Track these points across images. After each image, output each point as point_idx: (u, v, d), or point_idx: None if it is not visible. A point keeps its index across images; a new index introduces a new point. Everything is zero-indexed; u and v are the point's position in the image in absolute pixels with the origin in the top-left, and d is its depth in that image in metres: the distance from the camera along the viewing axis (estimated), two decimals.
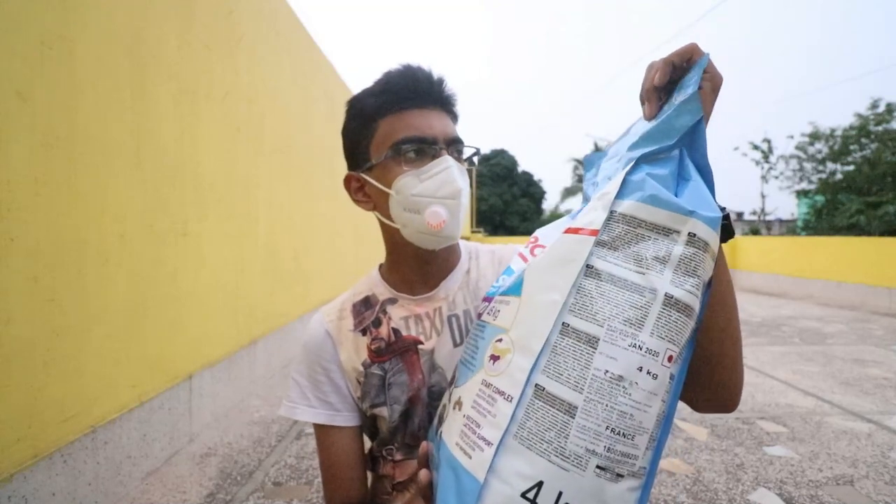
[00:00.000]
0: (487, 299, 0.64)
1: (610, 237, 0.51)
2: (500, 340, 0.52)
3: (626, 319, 0.47)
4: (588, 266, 0.50)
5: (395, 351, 0.80)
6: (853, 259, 8.94)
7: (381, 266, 0.89)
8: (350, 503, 0.82)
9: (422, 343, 0.81)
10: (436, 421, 0.66)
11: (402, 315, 0.82)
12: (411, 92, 0.75)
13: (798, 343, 5.35)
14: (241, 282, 3.36)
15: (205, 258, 2.86)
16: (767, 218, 23.39)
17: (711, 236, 0.50)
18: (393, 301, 0.83)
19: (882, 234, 13.13)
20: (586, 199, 0.63)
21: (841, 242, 9.85)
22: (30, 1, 1.68)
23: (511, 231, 30.00)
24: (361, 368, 0.81)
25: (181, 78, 2.61)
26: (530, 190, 32.80)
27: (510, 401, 0.49)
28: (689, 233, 0.49)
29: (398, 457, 0.82)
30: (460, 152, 0.78)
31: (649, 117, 0.58)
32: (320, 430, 0.83)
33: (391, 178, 0.74)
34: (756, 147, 19.76)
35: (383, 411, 0.80)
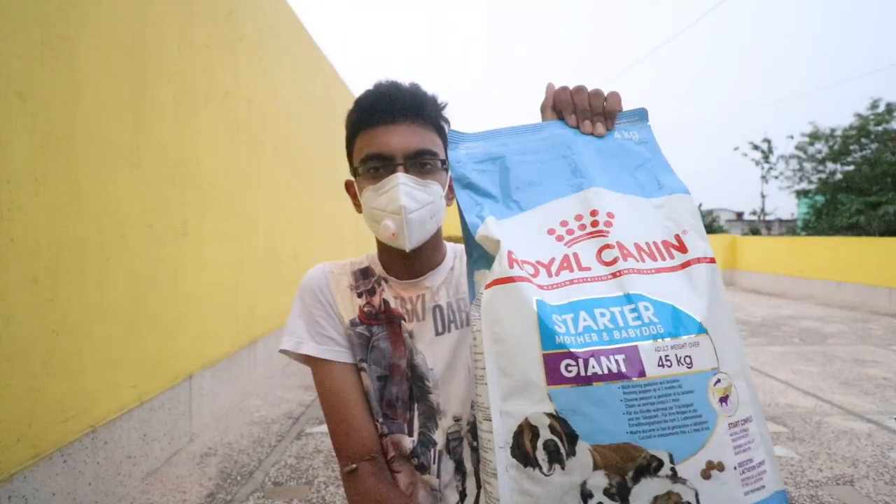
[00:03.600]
0: (635, 350, 0.49)
1: None
2: (718, 382, 0.49)
3: None
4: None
5: (382, 319, 0.87)
6: (853, 259, 8.95)
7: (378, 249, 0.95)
8: (365, 451, 0.81)
9: (405, 320, 0.87)
10: None
11: (392, 294, 0.89)
12: (374, 110, 0.80)
13: (798, 343, 5.36)
14: (241, 282, 3.36)
15: (205, 258, 2.86)
16: (767, 218, 23.39)
17: None
18: (385, 280, 0.90)
19: (882, 234, 13.14)
20: (463, 182, 0.63)
21: (841, 242, 9.85)
22: (30, 1, 1.68)
23: None
24: (349, 324, 0.87)
25: (181, 78, 2.61)
26: None
27: (753, 420, 0.51)
28: None
29: (384, 430, 0.84)
30: (426, 164, 0.80)
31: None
32: (325, 368, 0.84)
33: (361, 190, 0.83)
34: (756, 147, 19.76)
35: (365, 368, 0.85)
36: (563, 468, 0.47)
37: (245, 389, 3.42)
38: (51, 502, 1.73)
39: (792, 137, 17.94)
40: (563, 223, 0.58)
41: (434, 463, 0.83)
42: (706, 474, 0.46)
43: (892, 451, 2.63)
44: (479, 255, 0.59)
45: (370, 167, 0.80)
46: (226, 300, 3.15)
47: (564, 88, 0.66)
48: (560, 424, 0.47)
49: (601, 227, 0.56)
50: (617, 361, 0.47)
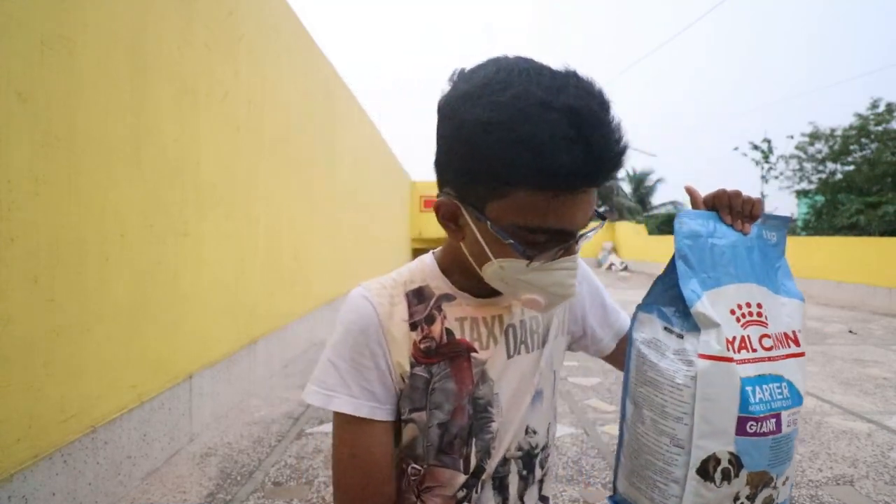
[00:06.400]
0: (779, 416, 0.69)
1: None
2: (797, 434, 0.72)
3: None
4: None
5: (445, 354, 0.72)
6: (853, 259, 8.95)
7: (436, 256, 0.78)
8: None
9: (475, 351, 0.73)
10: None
11: (458, 315, 0.74)
12: (576, 174, 0.56)
13: None
14: (241, 282, 3.36)
15: (205, 258, 2.86)
16: None
17: None
18: (450, 298, 0.74)
19: (882, 234, 13.13)
20: (680, 253, 0.72)
21: (841, 242, 9.85)
22: (30, 1, 1.68)
23: None
24: (407, 368, 0.72)
25: (181, 78, 2.62)
26: None
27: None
28: None
29: (432, 462, 0.75)
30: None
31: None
32: (357, 423, 0.70)
33: (498, 250, 0.63)
34: (756, 147, 19.75)
35: (422, 416, 0.72)
36: (729, 484, 0.68)
37: (245, 389, 3.43)
38: (51, 502, 1.73)
39: (792, 137, 17.93)
40: (739, 307, 0.71)
41: (476, 493, 0.75)
42: (782, 484, 0.71)
43: (892, 451, 2.63)
44: (681, 314, 0.72)
45: (538, 239, 0.61)
46: (226, 300, 3.15)
47: (724, 191, 0.72)
48: (735, 459, 0.68)
49: (760, 317, 0.72)
50: (771, 423, 0.68)
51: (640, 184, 28.82)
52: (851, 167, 15.80)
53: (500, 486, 0.77)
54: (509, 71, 0.58)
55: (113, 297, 2.08)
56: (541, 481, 0.81)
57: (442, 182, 0.67)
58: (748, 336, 0.70)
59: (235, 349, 3.28)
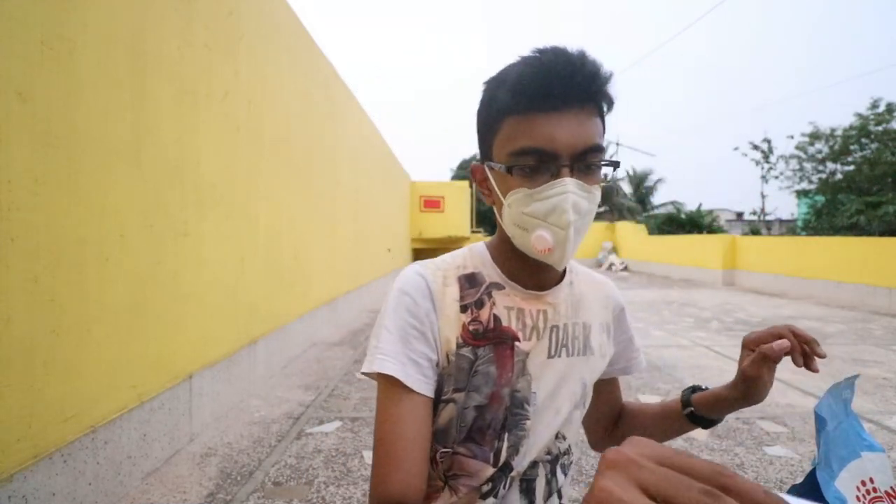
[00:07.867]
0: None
1: None
2: None
3: None
4: None
5: (490, 339, 0.74)
6: (853, 259, 8.95)
7: (488, 246, 0.81)
8: (403, 498, 0.66)
9: (519, 340, 0.75)
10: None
11: (505, 304, 0.76)
12: (542, 92, 0.64)
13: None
14: (241, 282, 3.36)
15: (205, 258, 2.86)
16: (767, 218, 23.40)
17: None
18: (500, 287, 0.77)
19: (882, 234, 13.13)
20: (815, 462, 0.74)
21: (841, 242, 9.85)
22: (30, 1, 1.68)
23: None
24: (454, 347, 0.73)
25: (181, 78, 2.62)
26: None
27: None
28: None
29: (461, 450, 0.75)
30: (591, 164, 0.68)
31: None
32: (397, 393, 0.69)
33: (506, 188, 0.70)
34: (756, 147, 19.76)
35: (461, 397, 0.73)
36: None
37: (245, 389, 3.43)
38: (51, 502, 1.73)
39: (792, 137, 17.91)
40: (858, 489, 0.72)
41: (504, 489, 0.76)
42: None
43: (892, 451, 2.63)
44: None
45: (525, 164, 0.67)
46: (226, 300, 3.15)
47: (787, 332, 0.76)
48: None
49: (876, 491, 0.72)
50: None
51: (640, 184, 28.84)
52: (851, 167, 15.79)
53: (527, 489, 0.78)
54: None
55: (113, 297, 2.08)
56: (561, 488, 0.82)
57: (480, 156, 0.77)
58: None
59: (235, 349, 3.28)
